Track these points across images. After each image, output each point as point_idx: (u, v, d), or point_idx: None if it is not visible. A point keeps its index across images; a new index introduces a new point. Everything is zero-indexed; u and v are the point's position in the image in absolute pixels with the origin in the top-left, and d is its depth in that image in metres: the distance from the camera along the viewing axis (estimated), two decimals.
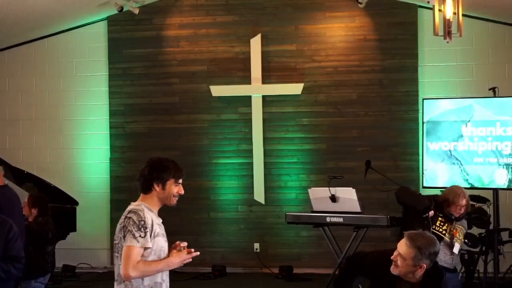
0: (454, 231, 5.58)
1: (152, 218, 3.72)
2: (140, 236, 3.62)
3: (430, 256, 3.87)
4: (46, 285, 6.49)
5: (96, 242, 9.76)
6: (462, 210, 5.62)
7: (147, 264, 3.64)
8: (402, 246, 3.88)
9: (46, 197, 6.80)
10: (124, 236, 3.65)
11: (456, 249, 5.54)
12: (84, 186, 9.78)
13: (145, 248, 3.64)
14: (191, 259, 3.78)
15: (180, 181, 3.84)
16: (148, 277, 3.69)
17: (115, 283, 3.75)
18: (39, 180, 8.73)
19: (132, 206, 3.76)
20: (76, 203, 9.00)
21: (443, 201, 5.62)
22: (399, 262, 3.88)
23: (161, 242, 3.75)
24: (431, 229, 5.47)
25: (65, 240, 8.90)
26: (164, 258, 3.72)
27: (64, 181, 9.54)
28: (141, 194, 3.83)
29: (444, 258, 5.48)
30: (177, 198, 3.85)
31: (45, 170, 9.61)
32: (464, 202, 5.61)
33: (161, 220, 3.86)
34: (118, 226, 3.74)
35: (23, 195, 6.99)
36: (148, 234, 3.64)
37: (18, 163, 9.00)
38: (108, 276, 9.30)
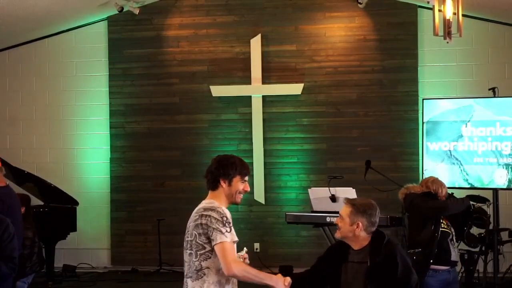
0: (446, 222, 5.60)
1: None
2: (227, 231, 3.65)
3: (366, 215, 4.00)
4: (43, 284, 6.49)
5: (96, 242, 9.77)
6: (444, 199, 5.66)
7: (249, 267, 3.71)
8: (341, 208, 4.10)
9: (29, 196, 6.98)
10: (202, 234, 3.65)
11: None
12: (84, 186, 9.79)
13: (234, 242, 3.68)
14: None
15: (246, 178, 3.86)
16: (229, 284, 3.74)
17: (189, 280, 3.74)
18: (39, 180, 8.74)
19: (205, 204, 3.77)
20: (76, 203, 9.00)
21: (429, 193, 5.62)
22: (339, 224, 4.07)
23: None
24: (440, 228, 5.45)
25: (65, 240, 8.93)
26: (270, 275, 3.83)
27: (64, 181, 9.54)
28: (209, 192, 3.85)
29: (453, 253, 5.51)
30: (242, 196, 3.88)
31: (45, 170, 9.62)
32: (446, 190, 5.67)
33: None
34: (192, 224, 3.73)
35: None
36: (233, 228, 3.69)
37: (18, 163, 9.00)
38: (108, 276, 9.33)
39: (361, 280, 3.96)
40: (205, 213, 3.69)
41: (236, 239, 3.70)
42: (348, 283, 4.01)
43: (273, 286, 3.77)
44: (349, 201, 4.13)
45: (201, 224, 3.66)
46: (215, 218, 3.65)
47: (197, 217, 3.71)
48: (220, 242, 3.61)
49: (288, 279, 3.84)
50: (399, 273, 3.94)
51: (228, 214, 3.71)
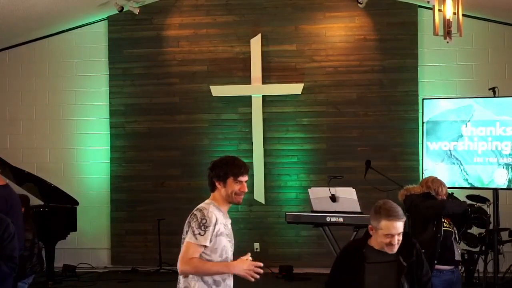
0: (448, 221, 5.60)
1: (218, 217, 3.75)
2: (199, 234, 3.67)
3: None
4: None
5: (96, 242, 9.77)
6: (444, 198, 5.66)
7: (202, 263, 3.70)
8: (398, 225, 3.93)
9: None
10: (187, 232, 3.73)
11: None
12: (84, 186, 9.79)
13: (205, 246, 3.69)
14: (257, 276, 3.71)
15: (241, 178, 3.82)
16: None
17: (181, 277, 3.81)
18: (40, 180, 8.74)
19: (202, 203, 3.83)
20: (76, 203, 9.00)
21: (429, 193, 5.63)
22: (401, 238, 3.97)
23: (224, 242, 3.78)
24: (443, 227, 5.45)
25: (65, 240, 8.93)
26: (227, 261, 3.79)
27: (64, 181, 9.54)
28: (211, 193, 3.90)
29: (457, 252, 5.51)
30: (241, 196, 3.85)
31: (45, 170, 9.62)
32: (446, 189, 5.68)
33: (229, 221, 3.90)
34: (186, 221, 3.80)
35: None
36: (209, 233, 3.68)
37: (18, 163, 9.00)
38: (108, 276, 9.33)
39: (393, 279, 3.98)
40: (195, 211, 3.78)
41: (206, 244, 3.69)
42: (376, 283, 4.00)
43: (234, 272, 3.74)
44: (398, 215, 3.96)
45: (189, 221, 3.76)
46: (197, 218, 3.72)
47: (190, 215, 3.80)
48: (187, 241, 3.69)
49: (248, 255, 3.78)
50: (424, 270, 4.10)
51: (212, 219, 3.71)
